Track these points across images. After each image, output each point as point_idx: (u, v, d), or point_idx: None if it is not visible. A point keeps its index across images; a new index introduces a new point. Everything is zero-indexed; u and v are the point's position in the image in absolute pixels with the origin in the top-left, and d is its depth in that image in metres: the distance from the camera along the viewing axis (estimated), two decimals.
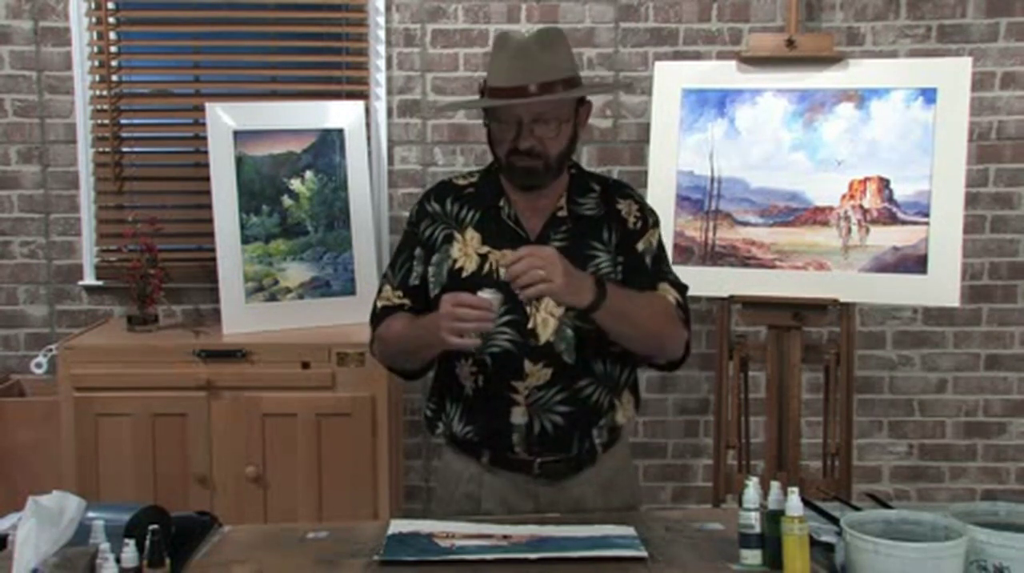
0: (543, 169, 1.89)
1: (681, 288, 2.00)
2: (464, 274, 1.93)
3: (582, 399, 1.94)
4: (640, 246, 1.98)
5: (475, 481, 2.00)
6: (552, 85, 1.86)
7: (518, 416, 1.93)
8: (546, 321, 1.91)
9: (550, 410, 1.93)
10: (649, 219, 2.02)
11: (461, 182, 2.04)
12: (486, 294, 1.76)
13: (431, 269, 1.97)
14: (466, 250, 1.96)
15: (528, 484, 1.97)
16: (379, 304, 2.04)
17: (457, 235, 1.97)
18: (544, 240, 1.94)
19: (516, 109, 1.86)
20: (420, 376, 2.07)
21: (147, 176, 3.50)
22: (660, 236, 2.04)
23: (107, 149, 3.44)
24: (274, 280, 3.21)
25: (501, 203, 1.97)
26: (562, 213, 1.97)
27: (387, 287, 2.04)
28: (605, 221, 1.97)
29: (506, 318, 1.89)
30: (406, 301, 2.00)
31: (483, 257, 1.94)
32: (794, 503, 1.58)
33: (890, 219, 2.91)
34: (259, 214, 3.21)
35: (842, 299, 2.92)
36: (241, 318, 3.14)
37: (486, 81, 1.93)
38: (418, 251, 2.00)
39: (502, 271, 1.75)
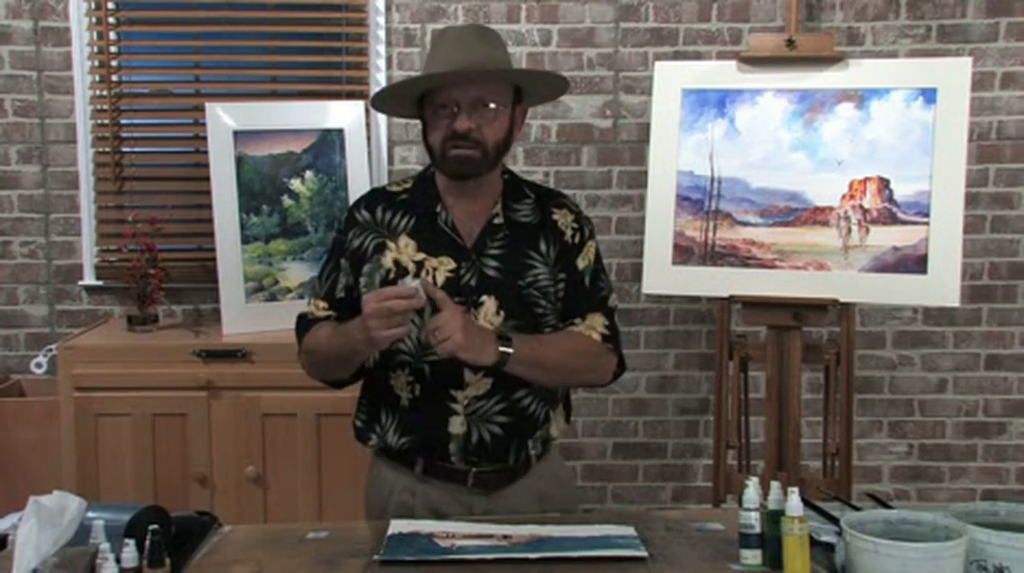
0: (479, 157, 1.87)
1: (611, 311, 2.00)
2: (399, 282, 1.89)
3: (520, 409, 1.93)
4: (580, 263, 1.98)
5: (408, 491, 1.96)
6: (492, 70, 1.87)
7: (456, 425, 1.91)
8: None
9: (489, 420, 1.91)
10: (586, 229, 2.02)
11: (394, 189, 2.01)
12: (410, 282, 1.75)
13: (362, 279, 1.93)
14: (400, 258, 1.92)
15: (462, 494, 1.95)
16: (307, 314, 2.00)
17: (390, 243, 1.93)
18: (481, 247, 1.92)
19: (454, 92, 1.85)
20: (349, 385, 2.03)
21: (147, 176, 3.50)
22: (596, 245, 2.04)
23: (107, 149, 3.44)
24: (274, 280, 3.22)
25: (438, 209, 1.94)
26: (498, 220, 1.95)
27: (313, 298, 2.02)
28: (541, 231, 1.97)
29: None
30: (331, 313, 1.97)
31: (419, 264, 1.91)
32: (794, 503, 1.58)
33: (890, 219, 2.91)
34: (259, 214, 3.21)
35: (842, 299, 2.92)
36: (241, 318, 3.14)
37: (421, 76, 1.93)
38: (343, 262, 1.97)
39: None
